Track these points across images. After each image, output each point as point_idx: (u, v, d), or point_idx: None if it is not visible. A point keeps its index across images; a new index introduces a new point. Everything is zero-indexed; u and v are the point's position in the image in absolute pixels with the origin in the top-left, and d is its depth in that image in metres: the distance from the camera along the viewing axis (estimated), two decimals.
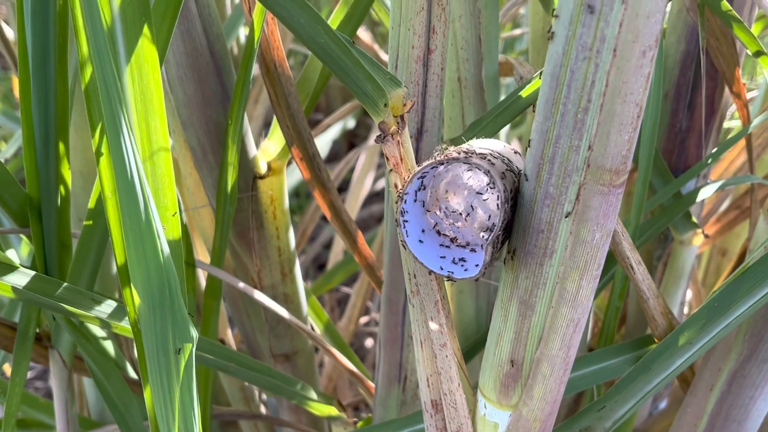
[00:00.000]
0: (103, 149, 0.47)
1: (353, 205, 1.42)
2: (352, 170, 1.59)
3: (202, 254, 0.93)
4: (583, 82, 0.41)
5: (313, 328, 0.93)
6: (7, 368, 1.02)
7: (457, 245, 0.50)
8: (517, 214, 0.48)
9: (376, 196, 1.91)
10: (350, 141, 2.11)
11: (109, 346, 0.77)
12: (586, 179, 0.44)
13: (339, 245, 1.43)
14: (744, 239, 1.06)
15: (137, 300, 0.47)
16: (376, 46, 1.24)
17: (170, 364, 0.49)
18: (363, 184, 1.43)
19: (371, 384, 0.83)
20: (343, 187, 1.87)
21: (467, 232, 0.49)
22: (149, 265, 0.46)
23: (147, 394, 0.51)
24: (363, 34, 1.28)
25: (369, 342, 1.58)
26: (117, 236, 0.48)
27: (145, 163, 0.48)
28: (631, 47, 0.39)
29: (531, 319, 0.50)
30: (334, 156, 2.04)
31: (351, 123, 1.75)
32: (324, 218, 1.82)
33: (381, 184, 1.80)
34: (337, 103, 2.06)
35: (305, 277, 1.69)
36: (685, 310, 1.13)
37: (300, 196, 1.90)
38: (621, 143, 0.42)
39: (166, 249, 0.47)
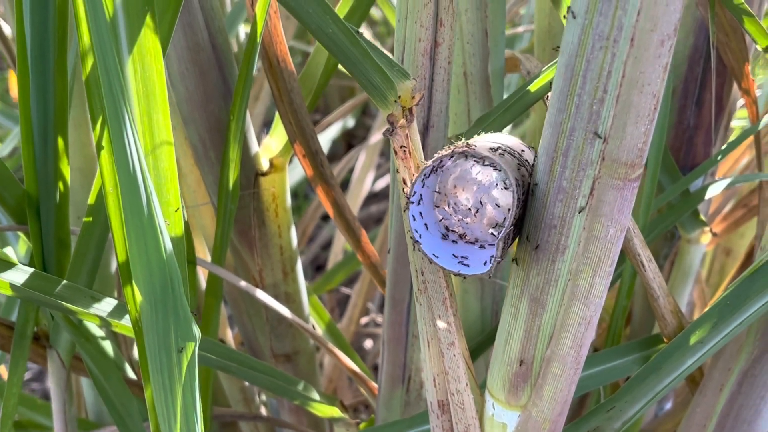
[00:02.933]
0: (104, 143, 0.46)
1: (353, 205, 1.41)
2: (351, 171, 1.57)
3: (201, 252, 0.92)
4: (599, 73, 0.40)
5: (314, 328, 0.92)
6: (3, 369, 1.00)
7: (466, 241, 0.49)
8: (528, 210, 0.47)
9: (374, 197, 1.90)
10: (348, 141, 2.09)
11: (108, 346, 0.76)
12: (600, 173, 0.42)
13: (338, 245, 1.41)
14: (748, 239, 1.05)
15: (138, 297, 0.46)
16: (376, 43, 1.23)
17: (172, 363, 0.48)
18: (363, 184, 1.42)
19: (374, 385, 0.82)
20: (343, 187, 1.86)
21: (476, 228, 0.48)
22: (151, 261, 0.45)
23: (148, 394, 0.50)
24: (362, 29, 1.27)
25: (368, 343, 1.57)
26: (118, 232, 0.47)
27: (148, 157, 0.47)
28: (649, 36, 0.38)
29: (542, 317, 0.49)
30: (333, 156, 2.03)
31: (350, 123, 1.74)
32: (322, 219, 1.81)
33: (380, 184, 1.79)
34: (335, 103, 2.05)
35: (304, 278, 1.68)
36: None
37: (298, 197, 1.89)
38: (637, 136, 0.41)
39: (169, 245, 0.46)
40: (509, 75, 1.37)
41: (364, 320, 1.51)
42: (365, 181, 1.41)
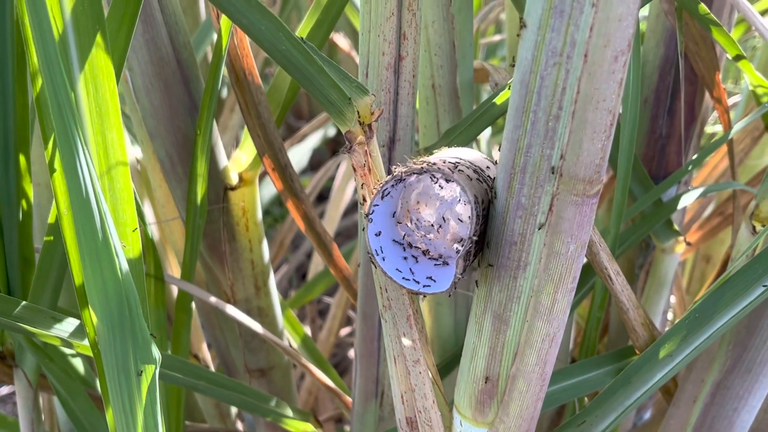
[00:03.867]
0: (57, 164, 0.45)
1: (334, 214, 1.40)
2: (333, 179, 1.57)
3: (174, 267, 0.91)
4: (553, 89, 0.39)
5: (290, 343, 0.91)
6: None
7: (429, 257, 0.48)
8: (489, 226, 0.47)
9: (356, 207, 1.89)
10: (334, 149, 2.09)
11: (78, 363, 0.75)
12: (558, 189, 0.42)
13: (319, 256, 1.40)
14: (728, 245, 1.05)
15: (95, 320, 0.45)
16: (354, 53, 1.23)
17: (132, 386, 0.47)
18: (344, 193, 1.41)
19: (349, 399, 0.81)
20: (325, 196, 1.85)
21: (439, 244, 0.48)
22: (107, 284, 0.44)
23: (109, 417, 0.49)
24: (342, 41, 1.26)
25: (352, 353, 1.56)
26: (74, 254, 0.46)
27: (102, 178, 0.46)
28: (603, 52, 0.37)
29: (506, 334, 0.48)
30: (318, 164, 2.02)
31: (331, 131, 1.73)
32: None
33: None
34: (319, 109, 2.04)
35: (288, 287, 1.67)
36: (669, 317, 1.12)
37: (282, 205, 1.88)
38: (594, 152, 0.40)
39: (125, 267, 0.45)
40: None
41: (346, 330, 1.50)
42: (346, 190, 1.40)
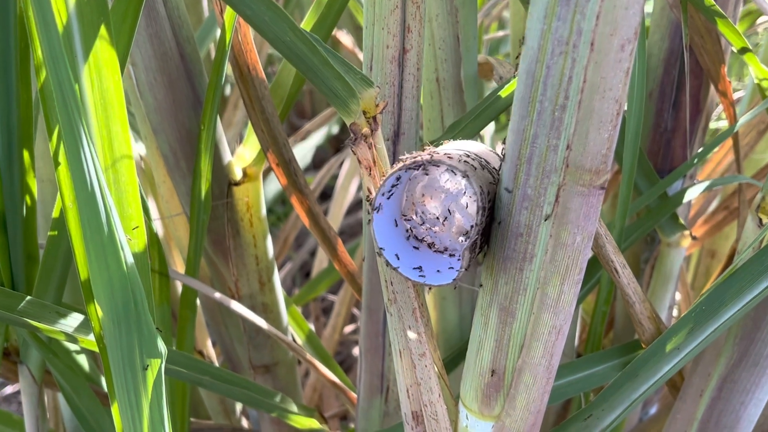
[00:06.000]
0: (61, 158, 0.45)
1: (337, 212, 1.40)
2: (336, 177, 1.56)
3: (178, 264, 0.91)
4: (559, 79, 0.39)
5: (294, 339, 0.91)
6: None
7: (435, 251, 0.48)
8: (495, 218, 0.46)
9: (361, 204, 1.89)
10: (337, 147, 2.08)
11: (82, 360, 0.75)
12: (565, 180, 0.42)
13: (323, 253, 1.40)
14: (733, 240, 1.05)
15: (101, 314, 0.45)
16: (357, 50, 1.23)
17: (138, 380, 0.47)
18: (347, 191, 1.41)
19: (354, 395, 0.81)
20: (329, 194, 1.85)
21: (445, 237, 0.48)
22: (112, 278, 0.44)
23: (115, 411, 0.49)
24: (345, 38, 1.26)
25: (357, 350, 1.56)
26: (79, 248, 0.46)
27: (107, 171, 0.46)
28: (609, 40, 0.37)
29: (512, 327, 0.48)
30: (321, 163, 2.01)
31: (335, 129, 1.73)
32: None
33: None
34: (322, 108, 2.04)
35: (292, 285, 1.67)
36: (675, 313, 1.11)
37: (286, 203, 1.88)
38: (600, 142, 0.40)
39: (131, 261, 0.45)
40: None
41: (351, 328, 1.50)
42: (349, 188, 1.40)
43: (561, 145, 0.41)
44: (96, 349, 0.58)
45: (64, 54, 0.40)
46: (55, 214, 0.58)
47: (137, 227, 0.46)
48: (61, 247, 0.60)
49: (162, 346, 0.47)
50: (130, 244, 0.47)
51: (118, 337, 0.45)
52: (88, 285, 0.46)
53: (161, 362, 0.47)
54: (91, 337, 0.57)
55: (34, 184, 0.62)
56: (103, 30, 0.43)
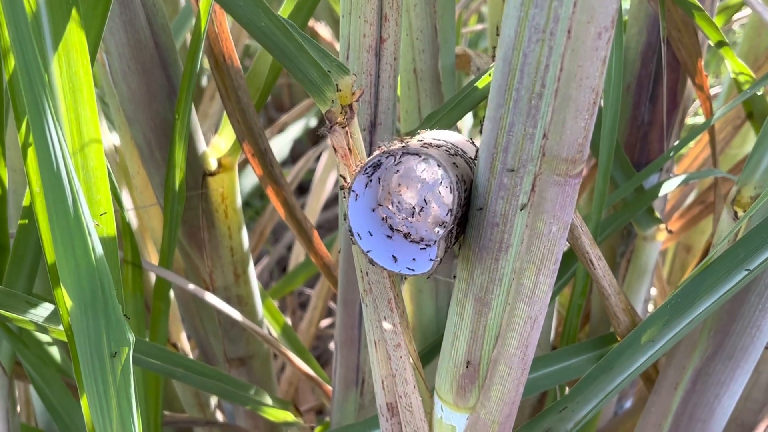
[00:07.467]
0: (30, 142, 0.44)
1: (315, 205, 1.39)
2: (314, 171, 1.56)
3: (153, 255, 0.90)
4: (536, 66, 0.39)
5: (270, 332, 0.90)
6: None
7: (411, 241, 0.47)
8: (471, 207, 0.46)
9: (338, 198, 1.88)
10: (315, 140, 2.07)
11: (54, 351, 0.73)
12: (541, 169, 0.41)
13: (300, 247, 1.40)
14: (709, 235, 1.05)
15: (68, 301, 0.44)
16: (335, 42, 1.22)
17: (105, 368, 0.46)
18: (325, 184, 1.40)
19: (329, 388, 0.81)
20: (306, 188, 1.84)
21: (421, 226, 0.47)
22: (79, 263, 0.43)
23: (83, 400, 0.48)
24: (323, 30, 1.25)
25: (333, 345, 1.55)
26: (46, 234, 0.45)
27: (75, 156, 0.45)
28: (586, 28, 0.37)
29: (487, 317, 0.48)
30: (299, 156, 2.00)
31: (313, 122, 1.72)
32: None
33: None
34: (300, 100, 2.03)
35: (269, 280, 1.66)
36: (650, 307, 1.12)
37: (263, 197, 1.87)
38: (577, 131, 0.40)
39: (99, 247, 0.44)
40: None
41: (327, 321, 1.49)
42: (327, 182, 1.39)
43: (537, 133, 0.40)
44: (66, 339, 0.57)
45: (31, 35, 0.39)
46: (26, 202, 0.57)
47: (105, 213, 0.46)
48: (32, 237, 0.59)
49: (130, 333, 0.46)
50: (98, 230, 0.46)
51: (85, 323, 0.45)
52: (55, 270, 0.46)
53: (129, 350, 0.46)
54: (62, 327, 0.56)
55: (5, 174, 0.61)
56: (73, 12, 0.42)
